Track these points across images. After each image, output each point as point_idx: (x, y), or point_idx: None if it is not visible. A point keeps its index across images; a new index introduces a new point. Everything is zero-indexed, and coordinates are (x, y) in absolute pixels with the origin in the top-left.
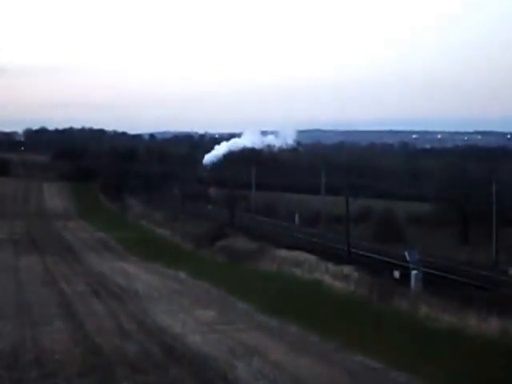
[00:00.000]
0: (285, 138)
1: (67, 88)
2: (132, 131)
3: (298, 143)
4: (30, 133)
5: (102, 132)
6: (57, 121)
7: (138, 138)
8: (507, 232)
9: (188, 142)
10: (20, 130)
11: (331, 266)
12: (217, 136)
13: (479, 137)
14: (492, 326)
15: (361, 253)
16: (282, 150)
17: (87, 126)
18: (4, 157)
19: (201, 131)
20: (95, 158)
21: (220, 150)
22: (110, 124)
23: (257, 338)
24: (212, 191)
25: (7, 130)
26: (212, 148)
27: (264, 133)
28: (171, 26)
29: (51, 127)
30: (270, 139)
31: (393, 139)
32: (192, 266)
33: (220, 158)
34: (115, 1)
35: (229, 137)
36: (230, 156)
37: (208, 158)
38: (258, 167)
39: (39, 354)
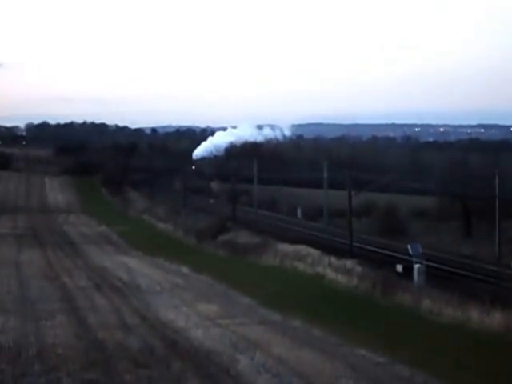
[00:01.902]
0: (282, 131)
1: (69, 82)
2: (134, 125)
3: (300, 136)
4: (31, 127)
5: (103, 126)
6: (58, 115)
7: (139, 132)
8: (510, 225)
9: (190, 136)
10: (22, 124)
11: (334, 260)
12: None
13: (482, 130)
14: (495, 319)
15: (363, 247)
16: (280, 143)
17: (89, 120)
18: (6, 151)
19: (202, 125)
20: (97, 153)
21: (209, 143)
22: (111, 118)
23: (259, 332)
24: (214, 185)
25: (9, 124)
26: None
27: (260, 126)
28: (173, 22)
29: (53, 122)
30: (267, 132)
31: (395, 132)
32: (194, 261)
33: (211, 151)
34: None
35: None
36: (231, 149)
37: (198, 151)
38: (260, 161)
39: (42, 348)
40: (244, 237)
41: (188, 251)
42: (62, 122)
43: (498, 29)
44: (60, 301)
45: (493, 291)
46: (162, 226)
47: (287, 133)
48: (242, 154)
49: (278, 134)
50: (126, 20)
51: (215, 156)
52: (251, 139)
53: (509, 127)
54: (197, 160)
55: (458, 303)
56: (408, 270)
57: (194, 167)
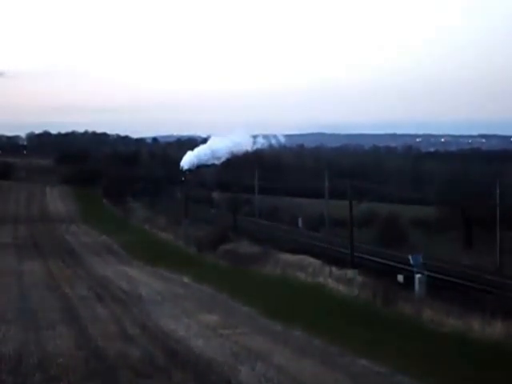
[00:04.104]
0: (277, 139)
1: (70, 92)
2: (135, 135)
3: (301, 146)
4: (32, 137)
5: (104, 136)
6: (59, 125)
7: (140, 141)
8: (511, 235)
9: (191, 146)
10: (23, 133)
11: (335, 270)
12: None
13: (483, 140)
14: (496, 329)
15: (364, 257)
16: (279, 152)
17: (90, 129)
18: (7, 161)
19: (204, 135)
20: (98, 162)
21: (208, 149)
22: (112, 128)
23: (260, 342)
24: (215, 195)
25: (10, 133)
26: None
27: (255, 136)
28: (173, 31)
29: (54, 131)
30: (261, 140)
31: (396, 142)
32: (195, 270)
33: (207, 159)
34: (117, 6)
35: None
36: (231, 158)
37: (186, 160)
38: (260, 170)
39: (42, 358)
40: (245, 246)
41: (189, 261)
42: (63, 131)
43: (499, 38)
44: (61, 310)
45: (494, 301)
46: (162, 235)
47: (282, 141)
48: (242, 163)
49: (274, 142)
50: (126, 30)
51: (213, 164)
52: (247, 146)
53: (510, 137)
54: (186, 170)
55: (459, 313)
56: (409, 280)
57: (183, 178)
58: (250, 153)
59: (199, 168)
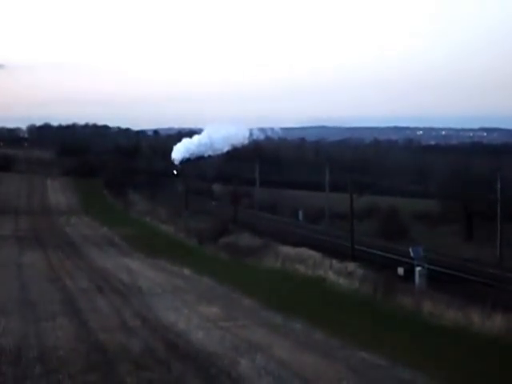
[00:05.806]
0: (274, 132)
1: (71, 84)
2: (136, 127)
3: (302, 139)
4: (33, 129)
5: (105, 128)
6: (60, 117)
7: (141, 134)
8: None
9: None
10: (24, 126)
11: (335, 263)
12: None
13: (484, 133)
14: (496, 322)
15: (365, 249)
16: (280, 145)
17: (91, 122)
18: (8, 153)
19: (204, 127)
20: (99, 154)
21: (207, 138)
22: (113, 120)
23: (261, 334)
24: (215, 187)
25: (11, 126)
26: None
27: (251, 129)
28: (174, 24)
29: (55, 123)
30: (256, 133)
31: (397, 136)
32: (196, 263)
33: (205, 150)
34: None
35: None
36: (231, 152)
37: (177, 151)
38: (261, 163)
39: (43, 350)
40: (245, 239)
41: (189, 253)
42: (64, 123)
43: (501, 31)
44: (61, 303)
45: (494, 294)
46: (163, 227)
47: (279, 134)
48: (242, 156)
49: (270, 134)
50: (127, 23)
51: (209, 156)
52: (243, 138)
53: (511, 131)
54: (179, 162)
55: (460, 306)
56: (409, 272)
57: (175, 172)
58: (251, 146)
59: (198, 160)
